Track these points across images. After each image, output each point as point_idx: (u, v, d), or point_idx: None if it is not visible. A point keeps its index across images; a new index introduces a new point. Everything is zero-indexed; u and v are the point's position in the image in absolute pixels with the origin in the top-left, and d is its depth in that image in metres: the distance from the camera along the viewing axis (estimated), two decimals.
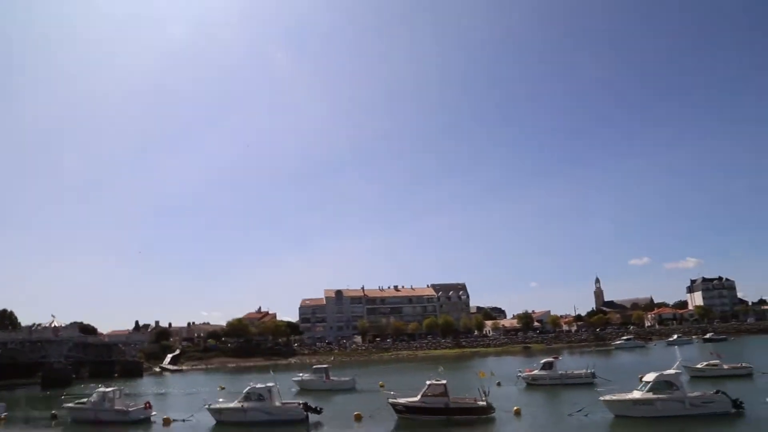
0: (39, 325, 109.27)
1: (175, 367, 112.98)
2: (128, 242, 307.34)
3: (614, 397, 33.31)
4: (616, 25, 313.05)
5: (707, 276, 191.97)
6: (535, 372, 53.90)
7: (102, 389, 40.42)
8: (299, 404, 37.05)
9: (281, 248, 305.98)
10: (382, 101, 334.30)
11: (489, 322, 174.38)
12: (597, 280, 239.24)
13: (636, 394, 32.58)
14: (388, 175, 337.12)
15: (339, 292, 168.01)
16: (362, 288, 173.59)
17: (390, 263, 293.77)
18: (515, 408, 36.55)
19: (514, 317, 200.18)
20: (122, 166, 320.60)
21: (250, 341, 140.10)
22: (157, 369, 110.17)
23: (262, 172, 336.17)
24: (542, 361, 54.98)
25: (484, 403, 34.97)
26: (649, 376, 32.74)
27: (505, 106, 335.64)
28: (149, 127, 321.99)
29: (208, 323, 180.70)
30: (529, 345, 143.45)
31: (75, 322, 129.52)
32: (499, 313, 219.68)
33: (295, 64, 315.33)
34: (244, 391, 37.30)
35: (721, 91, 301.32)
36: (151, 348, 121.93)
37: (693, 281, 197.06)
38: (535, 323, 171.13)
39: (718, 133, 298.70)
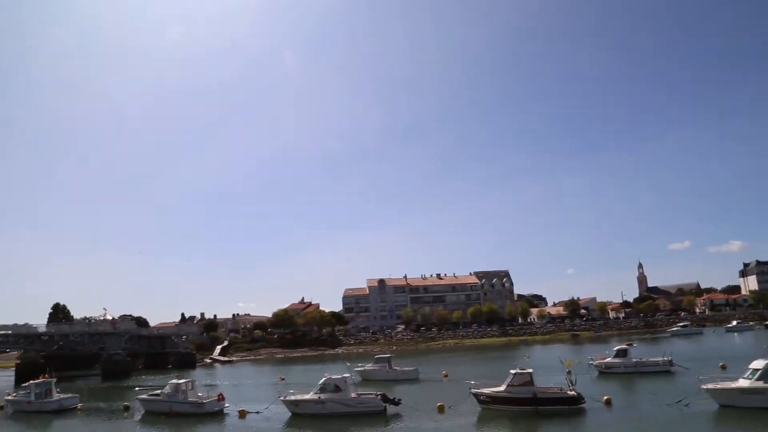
0: (92, 318, 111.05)
1: (225, 359, 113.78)
2: (169, 235, 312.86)
3: (719, 386, 31.09)
4: None
5: (761, 259, 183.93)
6: (608, 360, 51.83)
7: (175, 381, 39.89)
8: (377, 395, 35.88)
9: (321, 239, 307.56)
10: (414, 85, 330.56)
11: (534, 310, 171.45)
12: (640, 266, 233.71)
13: (743, 383, 30.30)
14: (426, 161, 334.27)
15: (382, 282, 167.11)
16: (405, 277, 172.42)
17: (431, 251, 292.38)
18: (605, 397, 34.79)
19: (555, 304, 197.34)
20: (167, 161, 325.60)
21: (295, 332, 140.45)
22: (208, 360, 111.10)
23: (300, 164, 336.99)
24: (615, 348, 52.89)
25: (574, 392, 33.29)
26: (758, 363, 30.35)
27: (540, 82, 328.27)
28: (187, 123, 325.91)
29: (248, 314, 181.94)
30: (577, 333, 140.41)
31: (125, 315, 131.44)
32: (539, 300, 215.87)
33: (326, 54, 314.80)
34: (320, 382, 36.28)
35: None
36: (200, 339, 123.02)
37: (746, 265, 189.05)
38: (581, 310, 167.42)
39: (751, 115, 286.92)
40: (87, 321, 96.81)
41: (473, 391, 35.19)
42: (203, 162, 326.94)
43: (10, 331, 74.76)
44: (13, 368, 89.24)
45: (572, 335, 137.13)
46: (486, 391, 34.76)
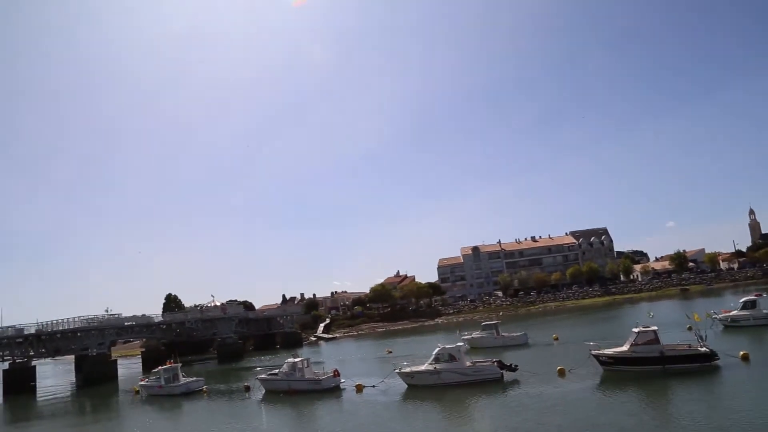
0: (202, 305, 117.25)
1: (328, 336, 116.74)
2: (263, 218, 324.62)
3: None
4: None
5: None
6: (735, 312, 48.27)
7: (291, 360, 41.07)
8: (493, 362, 35.18)
9: (412, 210, 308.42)
10: (505, 40, 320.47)
11: (637, 267, 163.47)
12: (751, 212, 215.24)
13: None
14: (514, 123, 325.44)
15: (476, 249, 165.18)
16: (499, 242, 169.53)
17: (524, 214, 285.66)
18: (741, 353, 32.27)
19: (658, 259, 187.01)
20: (261, 142, 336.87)
21: (394, 306, 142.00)
22: (312, 338, 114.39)
23: (386, 136, 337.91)
24: (742, 300, 49.22)
25: (706, 349, 31.03)
26: None
27: (635, 28, 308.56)
28: (274, 100, 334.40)
29: (345, 292, 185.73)
30: (686, 287, 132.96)
31: (231, 300, 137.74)
32: (641, 256, 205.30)
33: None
34: (434, 353, 35.99)
35: None
36: (303, 319, 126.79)
37: None
38: (689, 263, 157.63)
39: None
40: (199, 308, 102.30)
41: (594, 352, 33.77)
42: (291, 142, 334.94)
43: (134, 322, 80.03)
44: (139, 356, 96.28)
45: (681, 290, 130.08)
46: (608, 352, 33.26)
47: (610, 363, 32.83)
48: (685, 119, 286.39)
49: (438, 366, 34.87)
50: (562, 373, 34.07)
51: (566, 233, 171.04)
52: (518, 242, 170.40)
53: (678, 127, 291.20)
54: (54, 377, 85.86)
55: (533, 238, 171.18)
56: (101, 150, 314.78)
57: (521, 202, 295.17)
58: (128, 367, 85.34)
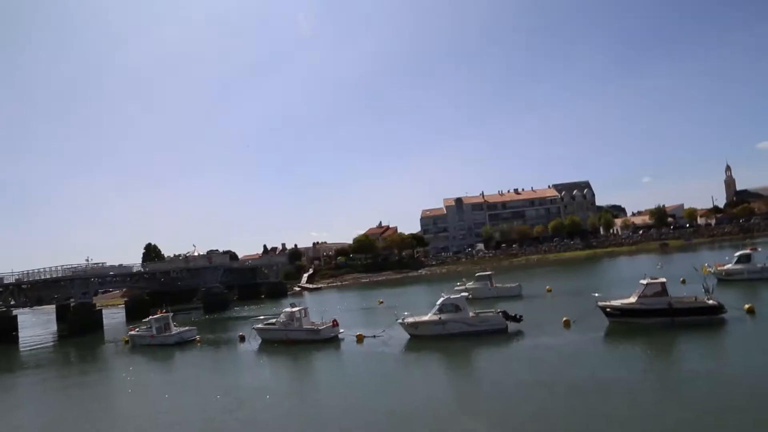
0: (185, 254, 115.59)
1: (312, 286, 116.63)
2: (241, 167, 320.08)
3: None
4: None
5: None
6: (729, 266, 48.40)
7: (289, 309, 40.15)
8: (498, 312, 34.69)
9: (391, 163, 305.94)
10: None
11: (617, 221, 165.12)
12: (728, 168, 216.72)
13: None
14: (491, 70, 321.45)
15: (459, 200, 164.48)
16: (482, 194, 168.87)
17: (507, 166, 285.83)
18: (747, 306, 32.19)
19: (636, 213, 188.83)
20: (236, 89, 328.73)
21: (376, 256, 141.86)
22: (297, 288, 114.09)
23: (367, 82, 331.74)
24: (737, 254, 49.25)
25: (714, 301, 30.83)
26: None
27: None
28: (258, 48, 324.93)
29: (325, 242, 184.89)
30: (666, 242, 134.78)
31: (212, 250, 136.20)
32: (618, 211, 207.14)
33: None
34: (438, 303, 35.36)
35: None
36: (286, 269, 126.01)
37: None
38: (668, 218, 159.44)
39: None
40: (184, 257, 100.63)
41: (600, 304, 33.39)
42: (271, 90, 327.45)
43: (119, 271, 78.33)
44: (121, 306, 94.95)
45: (661, 245, 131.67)
46: (615, 303, 32.89)
47: (616, 314, 32.49)
48: (662, 75, 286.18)
49: (443, 316, 34.28)
50: (567, 324, 33.71)
51: (549, 186, 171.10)
52: (501, 194, 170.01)
53: (655, 82, 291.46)
54: (34, 327, 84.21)
55: (516, 191, 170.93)
56: (77, 99, 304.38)
57: (503, 156, 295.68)
58: (111, 317, 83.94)
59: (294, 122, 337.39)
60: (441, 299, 35.44)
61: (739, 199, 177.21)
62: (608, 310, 32.89)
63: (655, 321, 31.01)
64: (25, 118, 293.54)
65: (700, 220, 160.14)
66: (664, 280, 32.17)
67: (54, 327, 75.15)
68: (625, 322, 32.10)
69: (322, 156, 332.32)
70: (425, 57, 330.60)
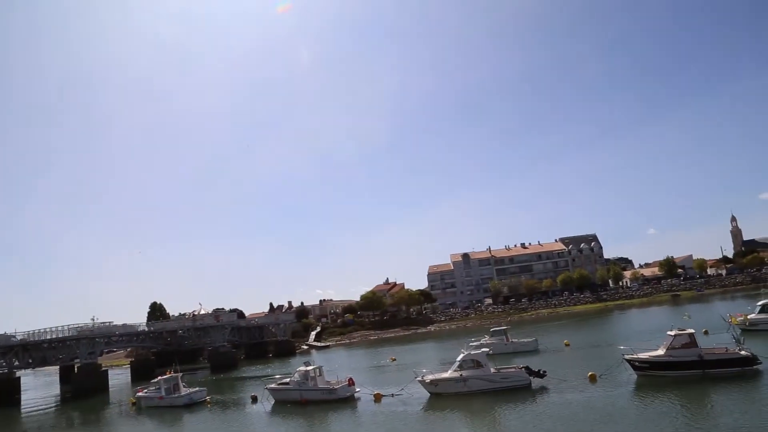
0: (188, 313, 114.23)
1: (321, 344, 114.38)
2: (245, 228, 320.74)
3: None
4: None
5: None
6: (753, 316, 47.32)
7: (303, 368, 38.95)
8: (521, 368, 33.58)
9: (396, 217, 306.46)
10: (486, 44, 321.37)
11: (627, 273, 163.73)
12: (733, 218, 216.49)
13: None
14: (497, 125, 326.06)
15: (466, 255, 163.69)
16: (488, 249, 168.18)
17: (512, 221, 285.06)
18: None
19: (643, 266, 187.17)
20: (228, 159, 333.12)
21: (384, 313, 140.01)
22: (305, 347, 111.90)
23: (368, 143, 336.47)
24: (760, 303, 48.29)
25: (747, 352, 29.77)
26: None
27: (618, 39, 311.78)
28: (248, 120, 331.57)
29: (331, 300, 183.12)
30: (677, 293, 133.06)
31: (219, 308, 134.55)
32: (625, 263, 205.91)
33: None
34: (458, 359, 34.32)
35: None
36: (293, 327, 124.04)
37: None
38: (678, 270, 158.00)
39: None
40: (191, 316, 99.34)
41: (627, 357, 32.30)
42: (271, 153, 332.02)
43: (125, 331, 77.12)
44: (126, 366, 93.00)
45: (672, 296, 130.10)
46: (643, 356, 31.79)
47: (644, 368, 31.38)
48: (664, 127, 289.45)
49: (464, 373, 33.14)
50: (593, 378, 32.59)
51: (555, 240, 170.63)
52: (508, 249, 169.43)
53: (657, 135, 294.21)
54: (36, 389, 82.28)
55: (523, 245, 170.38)
56: (83, 157, 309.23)
57: (508, 209, 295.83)
58: (115, 378, 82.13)
59: (296, 179, 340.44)
60: (461, 355, 34.39)
61: (747, 249, 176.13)
62: (636, 363, 31.77)
63: (686, 373, 29.91)
64: (27, 173, 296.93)
65: (710, 271, 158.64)
66: (692, 330, 31.26)
67: (57, 389, 73.39)
68: (653, 375, 30.99)
69: (325, 213, 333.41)
70: (430, 112, 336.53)
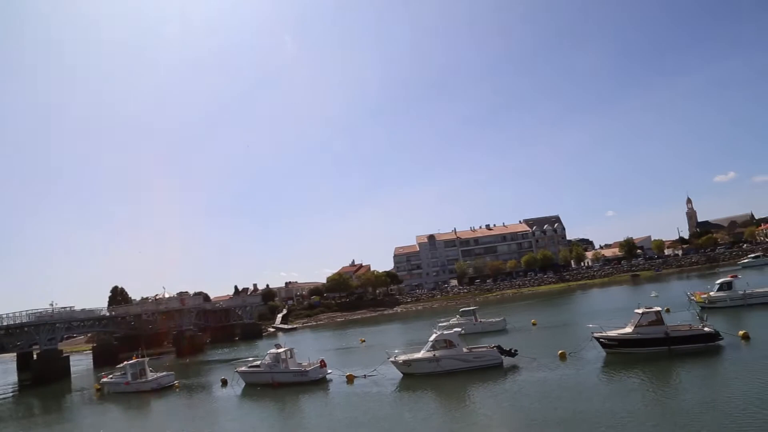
0: (155, 297, 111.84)
1: (287, 326, 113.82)
2: (209, 209, 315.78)
3: None
4: None
5: None
6: (712, 293, 48.82)
7: (274, 350, 38.53)
8: (493, 347, 33.90)
9: (360, 200, 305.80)
10: (462, 29, 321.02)
11: (589, 254, 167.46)
12: (688, 201, 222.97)
13: None
14: (465, 112, 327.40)
15: (431, 237, 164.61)
16: (454, 230, 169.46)
17: (478, 203, 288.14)
18: (741, 332, 32.14)
19: (602, 247, 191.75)
20: (197, 138, 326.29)
21: (350, 295, 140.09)
22: (271, 329, 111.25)
23: (337, 122, 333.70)
24: (718, 282, 49.85)
25: (711, 328, 30.67)
26: None
27: (573, 24, 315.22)
28: (213, 99, 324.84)
29: (296, 282, 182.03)
30: (637, 273, 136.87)
31: (182, 292, 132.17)
32: (586, 244, 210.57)
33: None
34: (431, 339, 34.43)
35: None
36: (259, 310, 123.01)
37: None
38: (637, 250, 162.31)
39: None
40: (154, 300, 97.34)
41: (596, 335, 32.94)
42: (238, 133, 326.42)
43: (87, 316, 75.06)
44: (88, 352, 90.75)
45: (632, 276, 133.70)
46: (611, 334, 32.49)
47: (613, 345, 32.07)
48: (626, 110, 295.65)
49: (437, 353, 33.28)
50: (563, 356, 33.17)
51: (520, 221, 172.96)
52: (473, 230, 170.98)
53: (619, 118, 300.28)
54: None
55: (488, 226, 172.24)
56: (38, 136, 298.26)
57: (472, 192, 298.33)
58: (76, 364, 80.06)
59: (259, 159, 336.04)
60: (434, 335, 34.50)
61: (702, 230, 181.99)
62: (604, 341, 32.43)
63: (653, 350, 30.68)
64: None
65: (668, 251, 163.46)
66: (659, 308, 32.05)
67: (14, 377, 71.16)
68: (621, 353, 31.68)
69: (290, 195, 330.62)
70: (396, 93, 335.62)
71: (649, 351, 30.71)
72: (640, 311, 31.96)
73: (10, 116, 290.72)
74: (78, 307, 76.98)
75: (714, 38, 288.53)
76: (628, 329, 31.88)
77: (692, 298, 46.74)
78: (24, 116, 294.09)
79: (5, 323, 64.50)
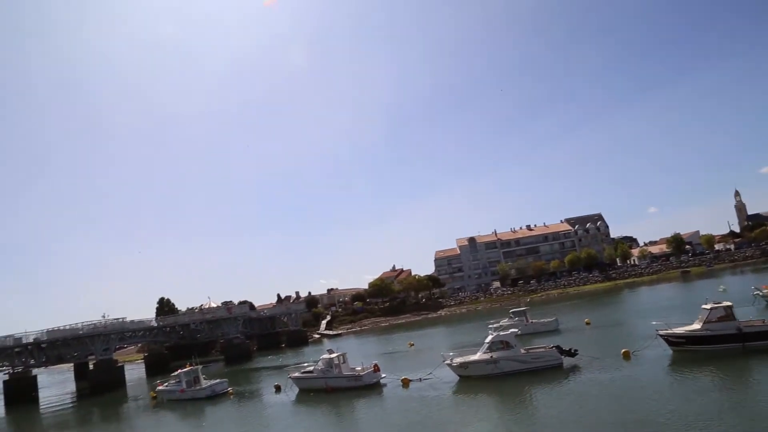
0: (199, 307, 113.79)
1: (332, 332, 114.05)
2: (248, 219, 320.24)
3: None
4: None
5: None
6: None
7: (327, 356, 38.38)
8: (551, 347, 32.95)
9: (397, 208, 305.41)
10: (478, 35, 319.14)
11: (635, 251, 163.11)
12: (737, 193, 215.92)
13: None
14: (496, 110, 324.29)
15: (472, 240, 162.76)
16: (494, 232, 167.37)
17: (517, 204, 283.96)
18: None
19: (647, 243, 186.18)
20: (236, 153, 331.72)
21: (393, 300, 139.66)
22: (316, 336, 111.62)
23: (374, 129, 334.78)
24: None
25: None
26: None
27: (609, 18, 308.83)
28: (258, 112, 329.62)
29: (337, 288, 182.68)
30: (687, 269, 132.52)
31: (227, 301, 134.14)
32: (630, 241, 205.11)
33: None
34: (487, 341, 33.69)
35: None
36: (303, 317, 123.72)
37: None
38: (686, 246, 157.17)
39: None
40: (199, 310, 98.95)
41: (661, 332, 31.63)
42: (273, 144, 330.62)
43: (139, 326, 76.70)
44: (140, 361, 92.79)
45: (682, 272, 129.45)
46: (678, 331, 31.13)
47: (680, 343, 30.74)
48: (663, 104, 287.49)
49: (494, 354, 32.50)
50: (626, 355, 32.00)
51: (561, 221, 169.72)
52: (514, 231, 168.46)
53: (656, 112, 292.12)
54: (51, 387, 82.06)
55: (528, 227, 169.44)
56: (86, 154, 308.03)
57: (509, 194, 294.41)
58: (129, 373, 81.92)
59: (301, 170, 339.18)
60: (490, 336, 33.77)
61: (754, 223, 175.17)
62: (671, 338, 31.13)
63: (725, 347, 29.26)
64: (29, 173, 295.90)
65: (718, 246, 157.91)
66: (729, 303, 30.54)
67: (73, 386, 73.15)
68: (690, 350, 30.36)
69: (329, 203, 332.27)
70: (432, 100, 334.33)
71: (721, 348, 29.31)
72: (708, 306, 30.55)
73: (68, 138, 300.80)
74: (128, 318, 79.02)
75: (761, 21, 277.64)
76: (696, 326, 30.52)
77: (759, 292, 44.62)
78: (78, 138, 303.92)
79: (62, 335, 66.36)
